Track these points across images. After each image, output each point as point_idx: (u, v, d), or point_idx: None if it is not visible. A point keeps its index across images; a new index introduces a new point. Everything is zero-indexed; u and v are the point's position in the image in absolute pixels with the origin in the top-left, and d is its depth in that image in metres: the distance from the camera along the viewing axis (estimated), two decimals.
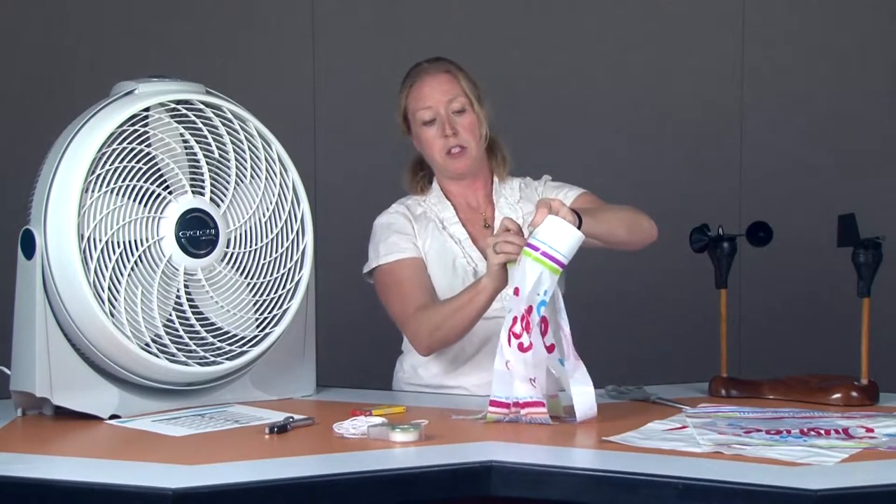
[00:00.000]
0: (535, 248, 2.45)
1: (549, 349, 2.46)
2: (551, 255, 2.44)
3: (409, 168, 3.04)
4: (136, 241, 2.51)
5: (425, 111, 2.91)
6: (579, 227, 2.50)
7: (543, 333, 2.44)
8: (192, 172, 2.59)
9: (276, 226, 2.67)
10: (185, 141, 2.58)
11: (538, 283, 2.43)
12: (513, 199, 2.98)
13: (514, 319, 2.43)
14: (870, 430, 2.36)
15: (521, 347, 2.43)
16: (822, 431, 2.35)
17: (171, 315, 2.55)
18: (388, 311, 2.90)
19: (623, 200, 2.89)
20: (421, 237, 2.93)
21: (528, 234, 2.51)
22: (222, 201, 2.61)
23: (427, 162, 2.99)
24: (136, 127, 2.53)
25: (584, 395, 2.46)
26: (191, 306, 2.57)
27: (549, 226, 2.46)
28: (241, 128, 2.64)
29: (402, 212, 2.97)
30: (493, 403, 2.46)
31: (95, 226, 2.47)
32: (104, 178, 2.48)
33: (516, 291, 2.44)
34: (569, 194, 2.92)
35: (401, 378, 3.00)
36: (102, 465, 2.22)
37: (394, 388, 3.01)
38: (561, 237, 2.45)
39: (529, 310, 2.42)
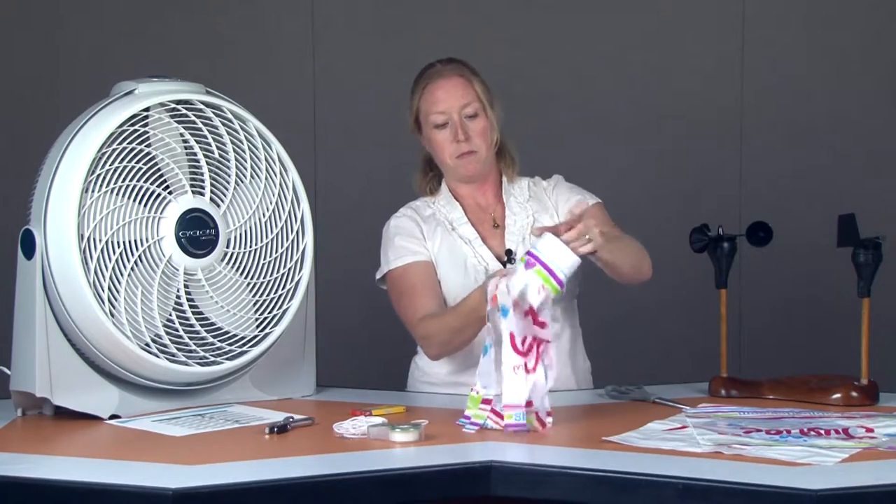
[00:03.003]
0: (545, 266, 2.40)
1: (542, 323, 2.42)
2: (555, 275, 2.40)
3: (419, 169, 3.04)
4: (136, 241, 2.51)
5: (438, 115, 2.90)
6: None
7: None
8: (192, 172, 2.59)
9: (276, 226, 2.67)
10: (185, 141, 2.58)
11: (542, 302, 2.39)
12: (522, 198, 2.98)
13: (513, 336, 2.40)
14: (870, 430, 2.36)
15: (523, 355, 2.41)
16: (822, 431, 2.35)
17: (171, 315, 2.55)
18: (399, 315, 2.90)
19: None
20: (430, 239, 2.93)
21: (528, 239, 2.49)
22: (222, 201, 2.61)
23: (436, 163, 2.99)
24: (136, 127, 2.53)
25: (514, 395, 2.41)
26: (191, 306, 2.57)
27: (551, 244, 2.42)
28: (241, 128, 2.64)
29: (409, 215, 2.97)
30: (508, 408, 2.40)
31: (95, 226, 2.47)
32: (104, 178, 2.48)
33: (523, 309, 2.40)
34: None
35: (416, 377, 3.00)
36: (102, 465, 2.21)
37: (408, 387, 3.01)
38: (563, 259, 2.41)
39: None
